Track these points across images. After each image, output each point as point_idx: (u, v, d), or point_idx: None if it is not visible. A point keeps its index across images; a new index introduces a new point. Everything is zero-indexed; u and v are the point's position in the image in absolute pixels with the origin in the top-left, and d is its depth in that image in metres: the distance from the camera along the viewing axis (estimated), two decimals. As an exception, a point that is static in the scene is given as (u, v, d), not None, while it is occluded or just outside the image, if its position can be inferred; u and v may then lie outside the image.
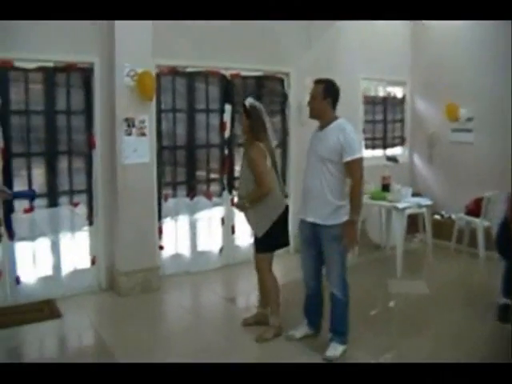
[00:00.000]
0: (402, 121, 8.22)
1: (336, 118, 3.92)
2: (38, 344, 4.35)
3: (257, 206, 4.15)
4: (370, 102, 7.72)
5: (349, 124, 3.86)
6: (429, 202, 6.45)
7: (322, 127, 3.92)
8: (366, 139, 7.70)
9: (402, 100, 8.17)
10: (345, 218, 3.81)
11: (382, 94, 7.92)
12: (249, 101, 4.33)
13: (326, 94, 3.89)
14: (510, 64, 6.45)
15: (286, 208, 4.28)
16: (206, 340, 4.33)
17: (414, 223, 7.16)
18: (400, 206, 5.91)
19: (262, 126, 4.24)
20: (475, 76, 7.06)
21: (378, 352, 4.07)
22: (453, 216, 7.16)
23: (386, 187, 6.44)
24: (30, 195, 4.22)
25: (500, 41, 6.66)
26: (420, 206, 6.37)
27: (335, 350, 3.94)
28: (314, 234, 3.96)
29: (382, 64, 7.56)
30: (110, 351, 4.09)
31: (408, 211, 6.67)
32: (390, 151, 8.10)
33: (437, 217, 7.40)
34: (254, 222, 4.23)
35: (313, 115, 3.98)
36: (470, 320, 4.69)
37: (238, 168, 5.80)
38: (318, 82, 3.99)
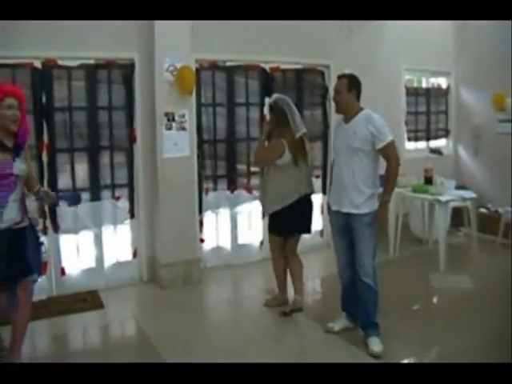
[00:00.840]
0: (446, 112, 8.05)
1: (361, 109, 3.95)
2: (82, 333, 4.49)
3: (271, 187, 4.46)
4: (413, 93, 7.59)
5: (374, 113, 3.90)
6: (473, 195, 6.29)
7: (348, 119, 3.95)
8: (409, 131, 7.58)
9: (447, 91, 8.00)
10: (377, 204, 3.89)
11: (425, 84, 7.77)
12: (273, 97, 4.55)
13: (350, 86, 3.94)
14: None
15: (308, 200, 4.51)
16: (245, 333, 4.37)
17: (458, 217, 7.01)
18: (443, 199, 5.78)
19: (285, 120, 4.41)
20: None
21: (416, 348, 4.03)
22: (499, 210, 6.96)
23: (428, 180, 6.31)
24: (74, 199, 4.27)
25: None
26: (464, 199, 6.23)
27: (379, 344, 3.90)
28: (346, 225, 3.98)
29: (426, 54, 7.38)
30: (151, 342, 4.16)
31: (452, 204, 6.56)
32: (434, 143, 7.95)
33: (483, 210, 7.21)
34: (265, 201, 4.56)
35: (339, 109, 4.04)
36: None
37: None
38: (340, 76, 4.08)
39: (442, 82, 7.98)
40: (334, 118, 6.37)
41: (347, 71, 6.33)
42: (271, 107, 4.54)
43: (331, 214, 4.17)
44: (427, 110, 7.81)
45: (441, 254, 5.79)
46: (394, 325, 4.14)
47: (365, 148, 3.82)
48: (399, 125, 7.31)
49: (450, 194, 6.00)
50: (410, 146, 7.61)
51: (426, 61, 7.46)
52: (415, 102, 7.63)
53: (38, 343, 4.22)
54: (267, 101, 5.61)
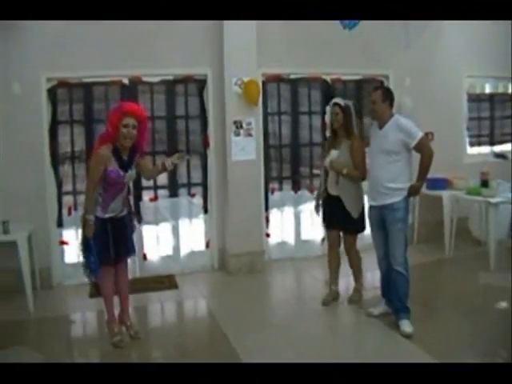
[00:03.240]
0: (511, 117, 8.15)
1: (392, 115, 4.47)
2: (159, 307, 5.33)
3: (352, 191, 4.84)
4: (475, 99, 7.78)
5: (402, 117, 4.46)
6: (527, 197, 6.49)
7: (382, 126, 4.47)
8: (471, 136, 7.80)
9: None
10: (405, 194, 4.42)
11: (488, 90, 7.96)
12: (341, 100, 4.94)
13: (384, 97, 4.46)
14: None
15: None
16: (300, 314, 4.97)
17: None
18: (493, 200, 6.03)
19: (351, 123, 4.87)
20: None
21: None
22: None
23: (484, 183, 6.53)
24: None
25: None
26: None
27: (409, 325, 4.39)
28: (381, 219, 4.49)
29: (489, 60, 7.51)
30: (215, 317, 4.88)
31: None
32: (499, 148, 8.10)
33: (547, 214, 7.33)
34: (351, 203, 4.87)
35: (375, 117, 4.55)
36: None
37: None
38: (376, 88, 4.63)
39: (508, 88, 8.11)
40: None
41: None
42: (342, 108, 4.82)
43: (370, 209, 4.69)
44: (491, 116, 7.98)
45: (491, 253, 6.01)
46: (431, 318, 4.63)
47: (397, 150, 4.36)
48: (460, 131, 7.58)
49: (503, 197, 6.24)
50: (473, 150, 7.83)
51: (488, 67, 7.57)
52: (477, 107, 7.83)
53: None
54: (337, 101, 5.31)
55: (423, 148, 4.37)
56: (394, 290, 4.53)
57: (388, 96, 4.48)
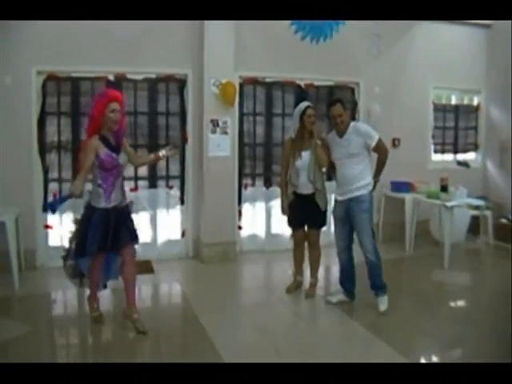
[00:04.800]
0: (475, 128, 8.59)
1: (349, 123, 4.97)
2: (136, 288, 5.58)
3: (323, 187, 5.26)
4: (441, 109, 8.26)
5: (358, 123, 5.10)
6: (481, 203, 7.00)
7: (342, 134, 4.93)
8: (436, 144, 8.26)
9: (477, 108, 8.54)
10: (371, 189, 4.94)
11: (454, 102, 8.45)
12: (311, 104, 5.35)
13: (344, 108, 4.96)
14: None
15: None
16: (265, 299, 5.42)
17: (478, 225, 7.65)
18: (448, 204, 6.47)
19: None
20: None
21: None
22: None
23: (444, 188, 6.92)
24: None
25: None
26: (471, 206, 6.95)
27: (384, 303, 4.94)
28: (347, 211, 4.95)
29: (456, 73, 8.00)
30: (188, 300, 5.28)
31: (471, 213, 7.34)
32: (462, 156, 8.54)
33: (503, 220, 7.69)
34: (322, 199, 5.26)
35: (342, 129, 4.91)
36: (495, 306, 5.29)
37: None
38: (334, 103, 4.99)
39: (472, 100, 8.59)
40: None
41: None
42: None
43: (336, 205, 5.13)
44: (455, 125, 8.45)
45: (446, 253, 6.46)
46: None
47: (360, 152, 4.87)
48: (426, 138, 8.06)
49: (459, 201, 6.71)
50: (437, 157, 8.30)
51: (455, 79, 8.08)
52: (443, 117, 8.31)
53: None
54: (307, 106, 5.32)
55: (381, 148, 4.92)
56: (369, 272, 5.00)
57: (345, 106, 4.99)
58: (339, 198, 5.06)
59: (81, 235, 4.24)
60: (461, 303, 5.66)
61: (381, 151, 4.94)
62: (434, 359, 4.21)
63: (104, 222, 4.20)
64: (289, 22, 5.58)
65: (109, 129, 4.21)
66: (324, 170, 5.29)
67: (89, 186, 4.32)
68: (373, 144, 4.85)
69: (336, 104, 4.93)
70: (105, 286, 4.76)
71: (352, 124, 4.94)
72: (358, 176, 4.88)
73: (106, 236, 4.21)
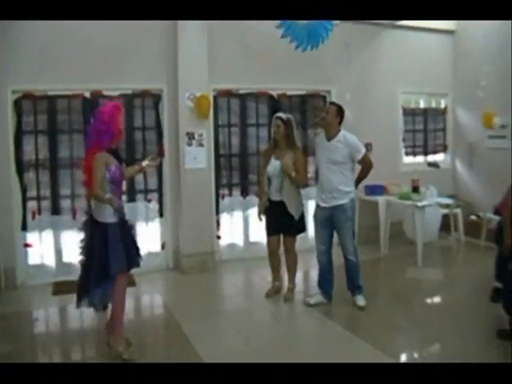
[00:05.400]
0: (444, 130, 8.89)
1: (339, 130, 5.11)
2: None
3: (294, 196, 5.38)
4: (410, 113, 8.52)
5: (348, 133, 5.13)
6: (450, 202, 7.30)
7: (330, 138, 5.11)
8: (406, 147, 8.52)
9: (444, 110, 8.83)
10: (353, 197, 5.18)
11: (422, 105, 8.71)
12: (283, 114, 5.51)
13: (337, 113, 5.14)
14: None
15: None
16: (246, 305, 5.58)
17: (450, 223, 7.92)
18: (419, 204, 6.76)
19: (293, 135, 5.44)
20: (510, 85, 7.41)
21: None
22: (481, 214, 7.80)
23: (415, 189, 7.20)
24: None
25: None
26: (442, 205, 7.21)
27: (362, 300, 5.20)
28: (329, 217, 5.16)
29: (423, 78, 8.27)
30: (170, 310, 5.40)
31: (443, 212, 7.59)
32: (433, 158, 8.82)
33: (473, 217, 8.01)
34: (294, 207, 5.40)
35: (323, 125, 5.21)
36: (466, 300, 5.53)
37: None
38: (332, 103, 5.33)
39: (440, 103, 8.87)
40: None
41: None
42: (284, 121, 5.35)
43: (318, 210, 5.31)
44: (424, 128, 8.72)
45: (419, 252, 6.75)
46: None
47: (345, 161, 5.09)
48: (396, 142, 8.31)
49: (429, 201, 6.99)
50: (408, 160, 8.55)
51: (423, 84, 8.35)
52: (412, 120, 8.57)
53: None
54: (279, 115, 5.58)
55: (366, 161, 5.16)
56: (347, 274, 5.27)
57: (340, 113, 5.17)
58: (322, 205, 5.23)
59: (100, 255, 3.99)
60: (435, 298, 5.89)
61: (365, 165, 5.19)
62: (412, 354, 4.41)
63: (122, 236, 4.09)
64: (265, 32, 5.80)
65: (117, 141, 4.23)
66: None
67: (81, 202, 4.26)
68: (359, 157, 5.09)
69: (332, 105, 5.24)
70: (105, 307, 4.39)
71: (341, 132, 5.12)
72: (342, 183, 5.10)
73: (130, 250, 4.14)
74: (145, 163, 4.50)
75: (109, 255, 3.97)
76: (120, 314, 4.21)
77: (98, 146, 4.05)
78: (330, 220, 5.19)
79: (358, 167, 5.29)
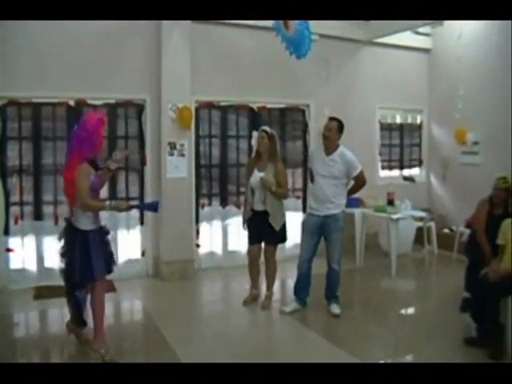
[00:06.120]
0: (419, 145, 9.18)
1: (338, 145, 5.36)
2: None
3: (276, 207, 5.52)
4: (387, 128, 8.78)
5: (346, 150, 5.37)
6: (424, 215, 7.54)
7: (329, 153, 5.33)
8: (383, 161, 8.77)
9: (420, 126, 9.13)
10: (344, 208, 5.41)
11: (399, 120, 8.98)
12: (267, 128, 5.67)
13: (338, 129, 5.36)
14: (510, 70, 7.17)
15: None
16: (224, 312, 5.71)
17: (423, 235, 8.19)
18: (394, 216, 6.98)
19: (275, 149, 5.61)
20: (483, 104, 7.79)
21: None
22: (453, 228, 8.10)
23: (390, 202, 7.41)
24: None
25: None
26: (416, 218, 7.45)
27: (338, 308, 5.41)
28: (320, 225, 5.36)
29: (399, 94, 8.59)
30: (150, 315, 5.51)
31: (417, 224, 7.82)
32: (408, 172, 9.08)
33: (446, 231, 8.30)
34: (276, 217, 5.54)
35: (326, 143, 5.38)
36: (437, 309, 5.76)
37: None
38: (332, 119, 5.47)
39: (415, 119, 9.15)
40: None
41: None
42: (269, 134, 5.53)
43: (309, 217, 5.50)
44: (400, 143, 9.00)
45: (393, 262, 6.96)
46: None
47: (341, 176, 5.33)
48: (373, 155, 8.55)
49: (403, 214, 7.20)
50: (384, 173, 8.79)
51: (399, 100, 8.66)
52: (389, 135, 8.84)
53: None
54: (265, 128, 5.71)
55: (361, 178, 5.46)
56: (327, 282, 5.49)
57: (340, 129, 5.37)
58: (315, 213, 5.42)
59: (82, 260, 4.12)
60: (408, 308, 6.09)
61: (359, 182, 5.48)
62: (386, 361, 4.56)
63: (102, 242, 4.28)
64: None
65: (96, 152, 4.32)
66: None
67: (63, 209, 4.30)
68: (354, 174, 5.34)
69: (333, 121, 5.39)
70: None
71: (340, 148, 5.34)
72: (337, 196, 5.32)
73: (107, 256, 4.32)
74: (112, 165, 4.31)
75: (92, 261, 4.12)
76: (101, 317, 4.35)
77: (77, 154, 4.18)
78: (320, 228, 5.38)
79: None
